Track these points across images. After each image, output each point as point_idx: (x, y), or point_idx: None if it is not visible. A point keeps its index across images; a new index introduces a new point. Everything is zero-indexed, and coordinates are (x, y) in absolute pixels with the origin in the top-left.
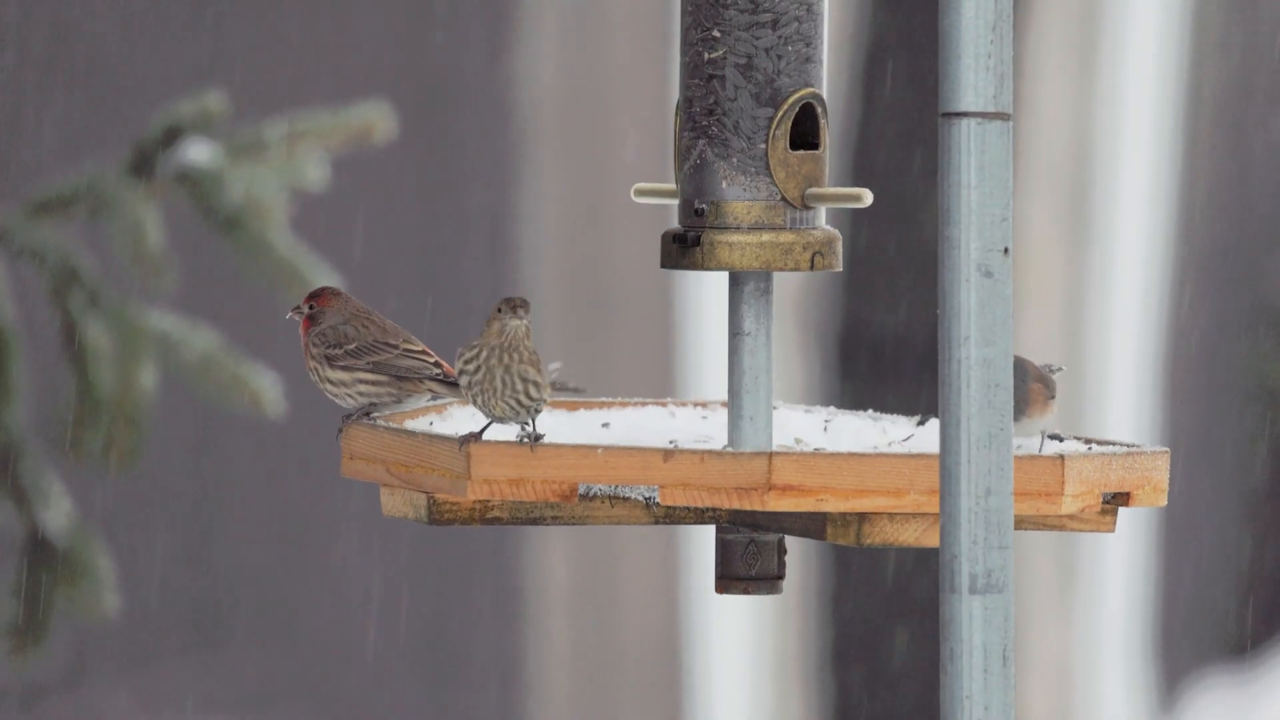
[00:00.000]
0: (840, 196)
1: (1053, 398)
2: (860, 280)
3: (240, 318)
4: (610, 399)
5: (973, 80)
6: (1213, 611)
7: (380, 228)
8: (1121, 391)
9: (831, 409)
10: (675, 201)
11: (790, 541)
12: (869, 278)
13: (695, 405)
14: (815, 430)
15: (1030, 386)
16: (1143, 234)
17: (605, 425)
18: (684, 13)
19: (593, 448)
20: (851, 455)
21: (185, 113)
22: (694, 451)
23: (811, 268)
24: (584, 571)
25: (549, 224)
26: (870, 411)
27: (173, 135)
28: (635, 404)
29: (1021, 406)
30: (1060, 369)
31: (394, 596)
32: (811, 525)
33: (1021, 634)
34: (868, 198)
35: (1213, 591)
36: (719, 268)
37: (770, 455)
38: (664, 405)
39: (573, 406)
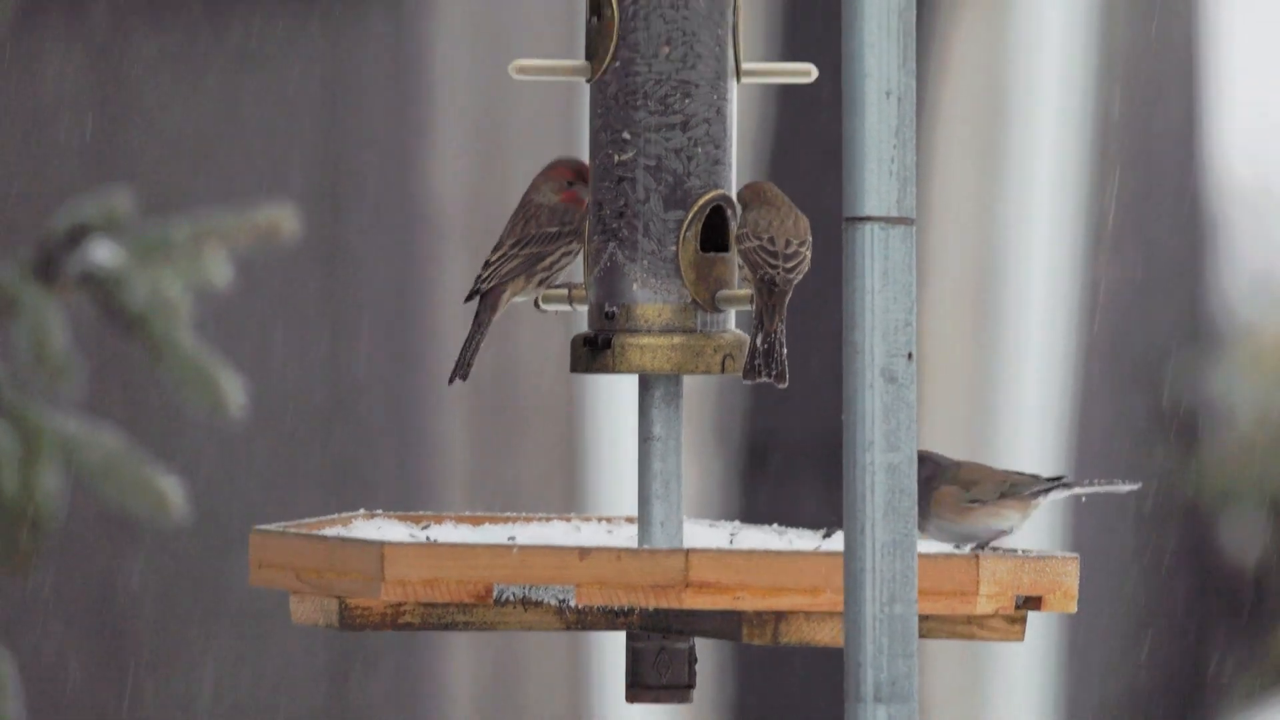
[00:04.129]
0: (751, 298)
1: (978, 500)
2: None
3: (144, 419)
4: (515, 514)
5: (875, 185)
6: (1117, 717)
7: (285, 329)
8: None
9: (736, 523)
10: (580, 307)
11: (701, 650)
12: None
13: (600, 520)
14: (721, 543)
15: (941, 489)
16: (1047, 338)
17: (511, 539)
18: (594, 115)
19: (508, 546)
20: (768, 553)
21: (90, 212)
22: (610, 549)
23: (722, 370)
24: (491, 680)
25: (454, 330)
26: (775, 525)
27: (78, 235)
28: (540, 519)
29: (923, 506)
30: (1123, 486)
31: (295, 697)
32: (727, 626)
33: None
34: None
35: (1117, 696)
36: (630, 370)
37: (687, 552)
38: (568, 520)
39: (477, 521)
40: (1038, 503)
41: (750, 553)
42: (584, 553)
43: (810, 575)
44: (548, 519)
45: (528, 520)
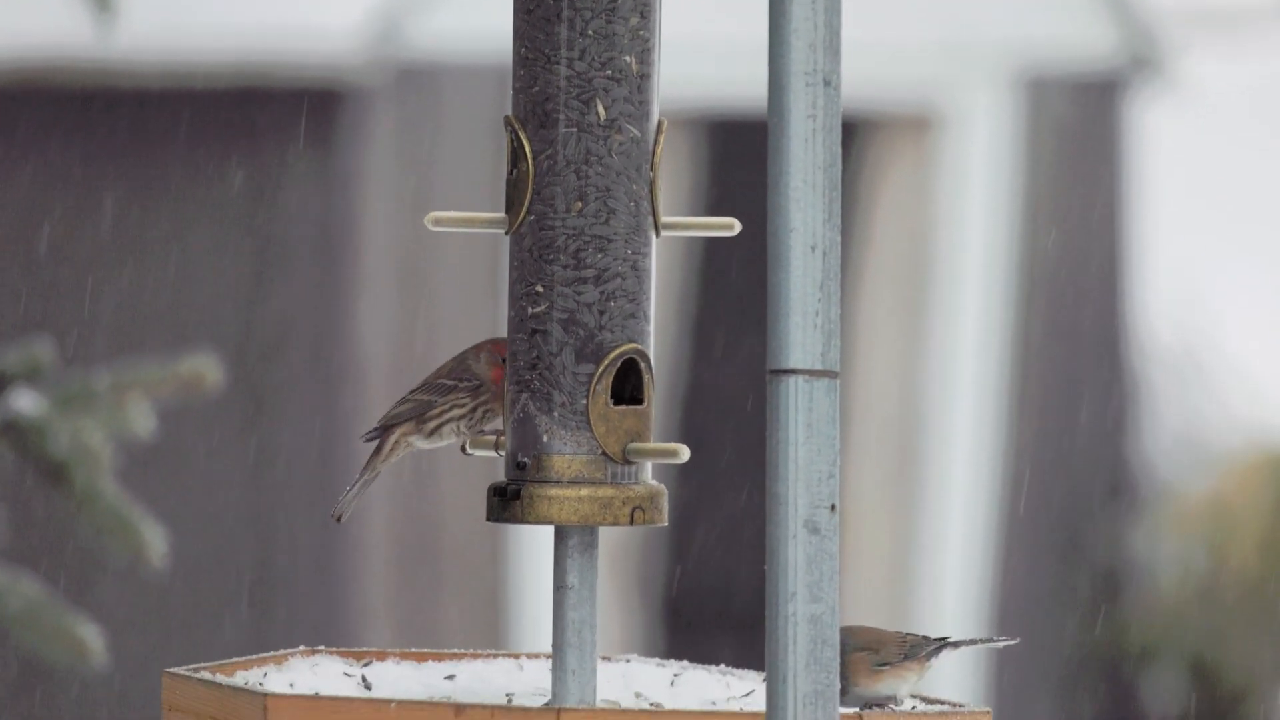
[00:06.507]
0: (658, 452)
1: (886, 663)
2: (688, 535)
3: (65, 567)
4: (459, 651)
5: (800, 338)
6: None
7: (209, 478)
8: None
9: (685, 663)
10: (504, 454)
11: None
12: (696, 533)
13: (547, 658)
14: (662, 684)
15: (850, 656)
16: (970, 493)
17: (450, 678)
18: (511, 267)
19: (385, 701)
20: (653, 713)
21: (12, 362)
22: (485, 706)
23: (631, 522)
24: None
25: (377, 479)
26: (722, 666)
27: None
28: (486, 656)
29: (843, 676)
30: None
31: None
32: None
33: None
34: (684, 453)
35: None
36: (538, 521)
37: (559, 711)
38: (516, 658)
39: (421, 658)
40: (931, 663)
41: (628, 712)
42: (459, 709)
43: None
44: (494, 656)
45: (474, 657)
